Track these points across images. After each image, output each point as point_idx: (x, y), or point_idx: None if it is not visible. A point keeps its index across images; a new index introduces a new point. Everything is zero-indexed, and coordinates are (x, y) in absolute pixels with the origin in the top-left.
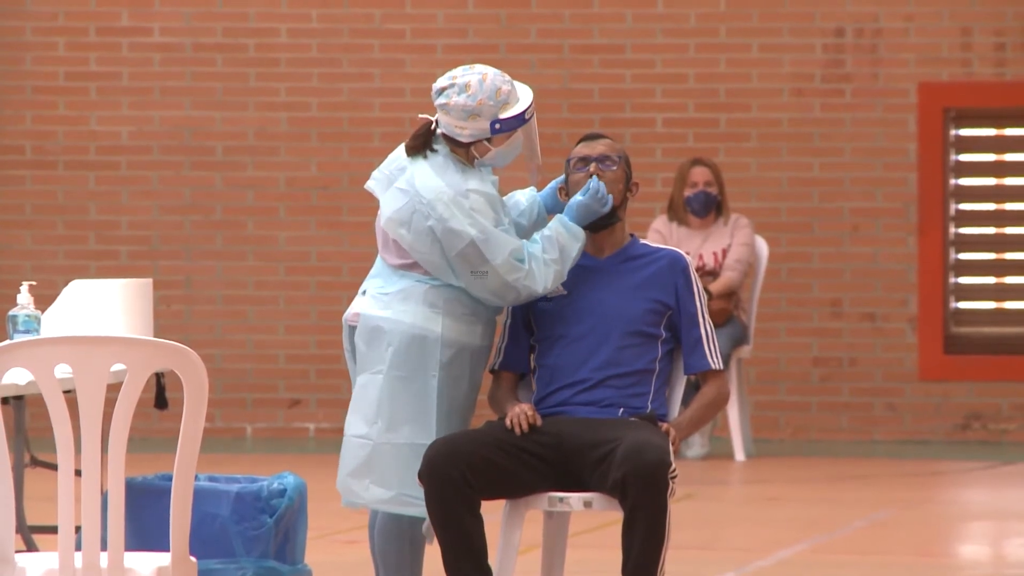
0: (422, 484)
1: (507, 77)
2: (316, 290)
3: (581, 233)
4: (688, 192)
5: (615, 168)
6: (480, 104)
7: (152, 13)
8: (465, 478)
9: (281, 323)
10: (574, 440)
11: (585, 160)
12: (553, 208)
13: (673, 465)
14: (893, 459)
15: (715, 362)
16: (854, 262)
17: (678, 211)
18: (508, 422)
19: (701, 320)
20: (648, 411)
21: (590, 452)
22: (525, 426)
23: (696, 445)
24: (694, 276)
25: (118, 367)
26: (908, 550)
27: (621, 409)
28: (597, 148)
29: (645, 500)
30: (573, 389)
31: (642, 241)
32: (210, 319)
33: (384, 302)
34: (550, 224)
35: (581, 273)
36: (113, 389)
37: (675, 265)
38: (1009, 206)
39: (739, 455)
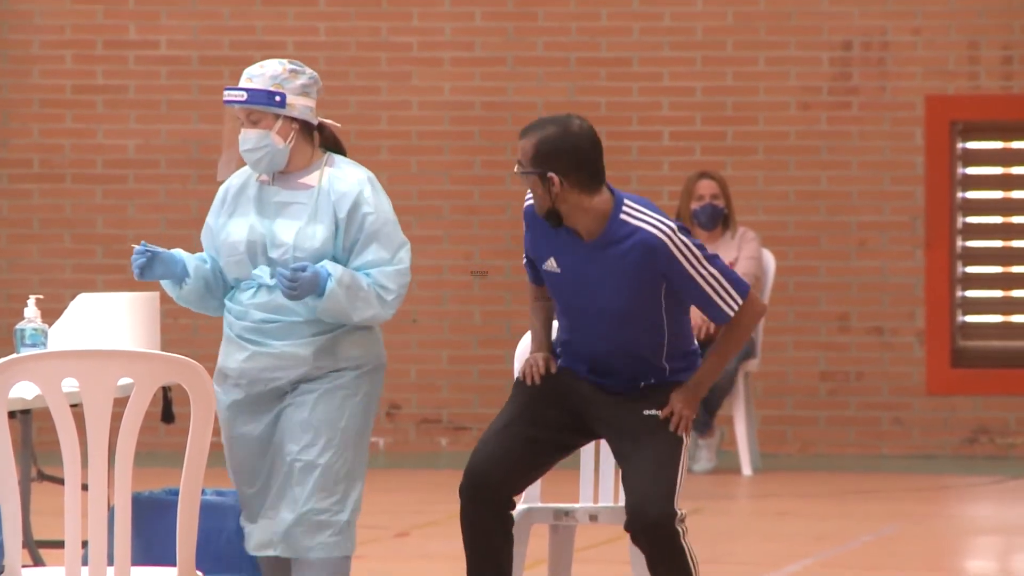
0: (461, 497)
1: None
2: None
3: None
4: (695, 205)
5: (528, 177)
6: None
7: (159, 26)
8: (505, 499)
9: None
10: (596, 425)
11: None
12: None
13: (679, 513)
14: (901, 473)
15: (732, 305)
16: (861, 276)
17: (685, 224)
18: (521, 374)
19: (700, 278)
20: (659, 413)
21: (610, 441)
22: (537, 379)
23: (703, 459)
24: (676, 246)
25: (125, 381)
26: (916, 565)
27: (641, 383)
28: (518, 152)
29: (658, 554)
30: (586, 364)
31: (624, 211)
32: (217, 333)
33: None
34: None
35: (571, 254)
36: (120, 403)
37: (652, 252)
38: (1016, 219)
39: (746, 469)
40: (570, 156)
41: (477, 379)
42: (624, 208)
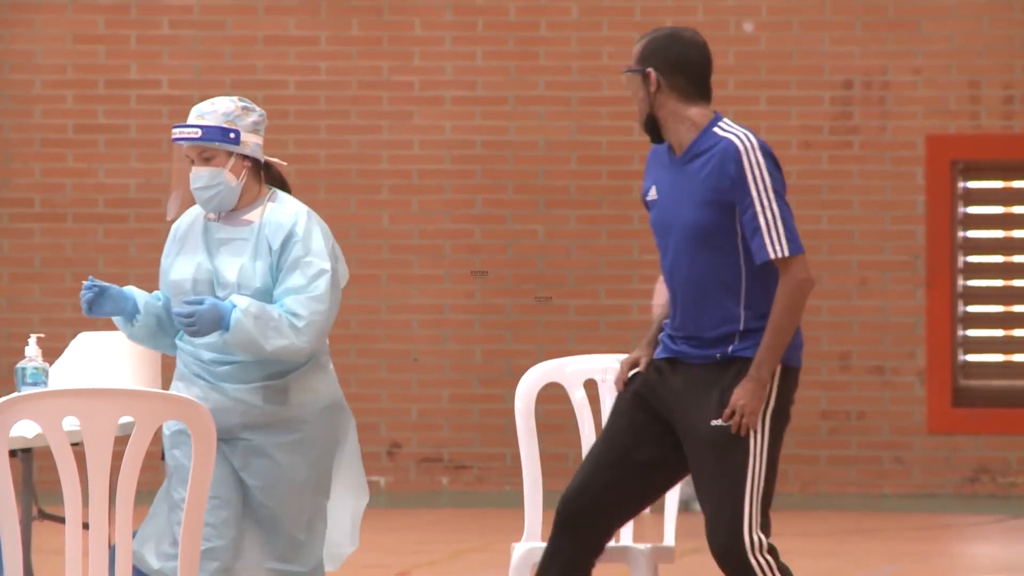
0: (554, 527)
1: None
2: None
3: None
4: None
5: (631, 77)
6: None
7: (160, 66)
8: (595, 539)
9: None
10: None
11: None
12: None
13: (752, 542)
14: (902, 512)
15: (777, 249)
16: (862, 315)
17: None
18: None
19: (759, 205)
20: (722, 422)
21: (688, 459)
22: (620, 386)
23: None
24: (750, 160)
25: (126, 419)
26: None
27: (718, 353)
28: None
29: None
30: (672, 317)
31: (719, 125)
32: None
33: None
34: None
35: (665, 175)
36: (121, 441)
37: (726, 155)
38: (1017, 258)
39: None
40: (673, 58)
41: (478, 418)
42: (720, 123)
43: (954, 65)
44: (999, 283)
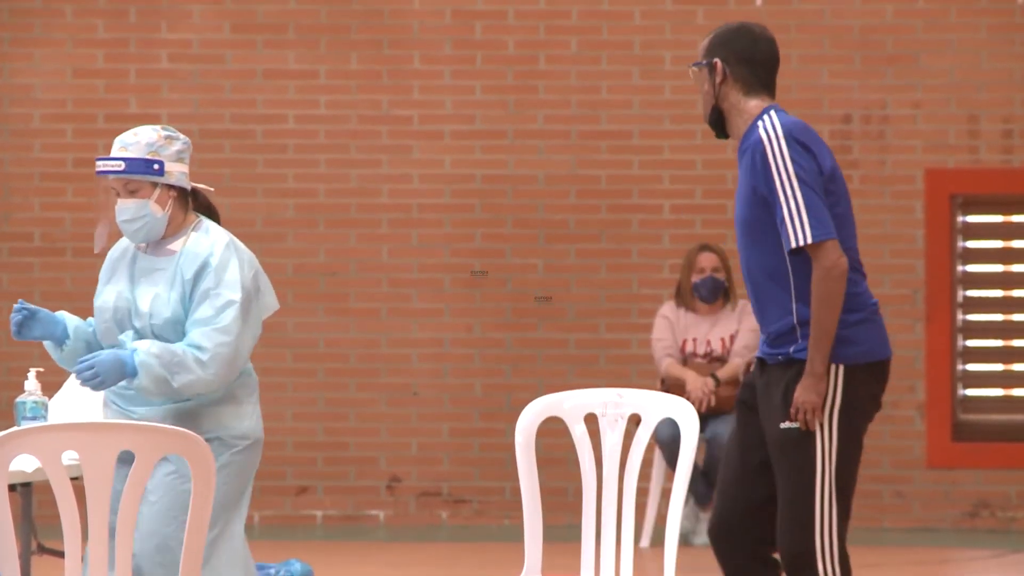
0: (717, 558)
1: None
2: (324, 376)
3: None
4: (696, 278)
5: (698, 71)
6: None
7: (160, 100)
8: (754, 543)
9: (289, 410)
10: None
11: None
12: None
13: (822, 544)
14: (902, 547)
15: (800, 236)
16: None
17: (686, 297)
18: None
19: (782, 194)
20: (791, 424)
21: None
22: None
23: (705, 532)
24: (773, 150)
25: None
26: None
27: (779, 354)
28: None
29: None
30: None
31: (763, 117)
32: None
33: None
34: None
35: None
36: None
37: (755, 149)
38: (1017, 293)
39: None
40: (740, 49)
41: (478, 452)
42: (764, 116)
43: (953, 99)
44: (999, 317)
